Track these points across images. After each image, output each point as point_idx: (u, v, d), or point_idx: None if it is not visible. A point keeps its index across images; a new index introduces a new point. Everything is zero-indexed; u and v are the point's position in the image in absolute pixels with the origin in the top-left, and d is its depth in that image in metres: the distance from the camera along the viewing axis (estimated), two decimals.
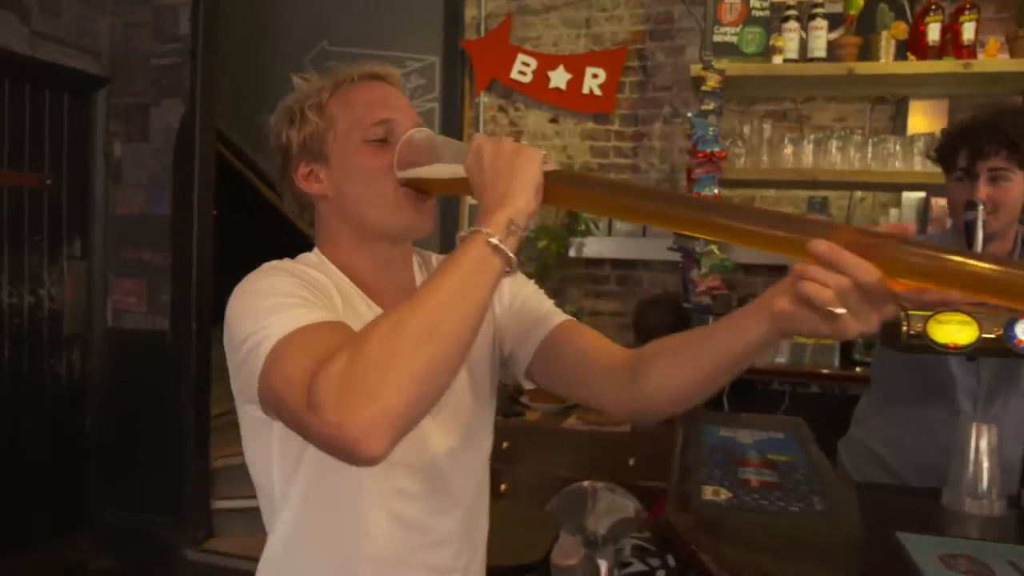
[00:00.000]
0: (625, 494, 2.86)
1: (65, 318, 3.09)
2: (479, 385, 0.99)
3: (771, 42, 2.68)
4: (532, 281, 1.06)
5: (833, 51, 2.63)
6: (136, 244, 3.11)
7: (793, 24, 2.64)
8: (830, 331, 0.65)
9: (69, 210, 3.08)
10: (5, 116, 2.83)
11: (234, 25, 3.60)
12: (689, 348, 0.84)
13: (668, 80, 3.33)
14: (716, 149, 2.55)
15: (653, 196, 0.80)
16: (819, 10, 2.62)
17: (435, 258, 1.07)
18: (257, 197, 4.31)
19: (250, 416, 0.87)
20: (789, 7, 2.66)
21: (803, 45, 2.67)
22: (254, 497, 0.94)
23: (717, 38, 2.73)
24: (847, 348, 2.78)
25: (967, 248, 1.41)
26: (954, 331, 1.23)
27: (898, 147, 2.62)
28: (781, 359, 2.82)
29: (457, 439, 0.95)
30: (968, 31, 2.49)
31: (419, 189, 0.92)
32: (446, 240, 3.10)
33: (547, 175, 0.80)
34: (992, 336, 1.23)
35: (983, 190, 1.48)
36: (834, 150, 2.65)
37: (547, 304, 1.02)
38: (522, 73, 3.43)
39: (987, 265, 0.59)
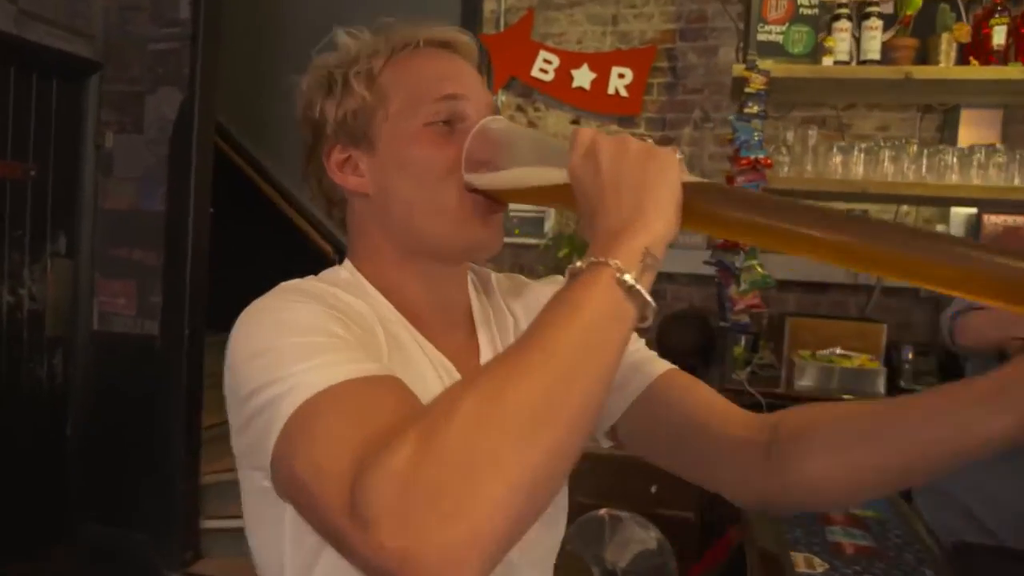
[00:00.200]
0: (647, 524, 2.66)
1: (47, 319, 2.88)
2: None
3: (820, 42, 2.48)
4: None
5: (887, 53, 2.43)
6: (126, 242, 2.90)
7: (845, 23, 2.44)
8: None
9: (54, 204, 2.86)
10: None
11: (238, 9, 3.39)
12: (872, 432, 0.62)
13: (699, 82, 3.14)
14: (761, 156, 2.34)
15: (870, 230, 0.53)
16: (873, 9, 2.42)
17: (494, 278, 0.85)
18: (258, 195, 4.09)
19: (254, 484, 0.64)
20: (840, 5, 2.46)
21: (854, 46, 2.47)
22: None
23: (761, 36, 2.52)
24: (894, 375, 2.57)
25: None
26: None
27: (955, 158, 2.42)
28: (807, 382, 2.61)
29: (534, 526, 0.73)
30: None
31: (491, 197, 0.70)
32: None
33: (687, 188, 0.59)
34: None
35: None
36: (886, 160, 2.44)
37: (641, 346, 0.80)
38: (543, 71, 3.24)
39: None
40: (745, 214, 0.57)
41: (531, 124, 3.31)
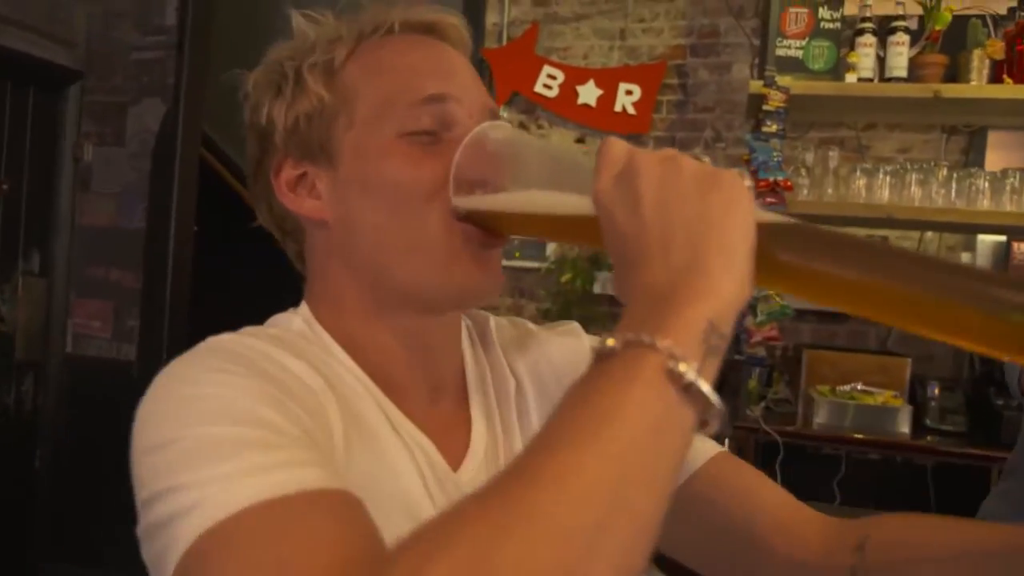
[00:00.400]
0: (656, 573, 2.48)
1: (17, 342, 2.71)
2: None
3: (842, 57, 2.34)
4: None
5: (914, 70, 2.29)
6: (103, 261, 2.74)
7: (869, 38, 2.30)
8: None
9: (28, 219, 2.71)
10: None
11: (229, 17, 3.26)
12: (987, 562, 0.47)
13: (711, 100, 2.99)
14: (780, 177, 2.19)
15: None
16: (900, 24, 2.28)
17: (493, 325, 0.67)
18: (246, 210, 3.93)
19: None
20: (864, 19, 2.32)
21: (878, 63, 2.33)
22: None
23: (780, 51, 2.39)
24: (918, 413, 2.40)
25: None
26: None
27: (986, 183, 2.27)
28: (824, 419, 2.43)
29: None
30: None
31: (487, 227, 0.54)
32: None
33: (765, 231, 0.41)
34: None
35: None
36: (913, 184, 2.29)
37: None
38: (547, 87, 3.10)
39: None
40: (868, 275, 0.39)
41: None
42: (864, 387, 2.47)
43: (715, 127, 2.99)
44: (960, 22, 2.31)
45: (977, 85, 2.24)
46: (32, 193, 2.71)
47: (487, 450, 0.59)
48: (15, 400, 2.72)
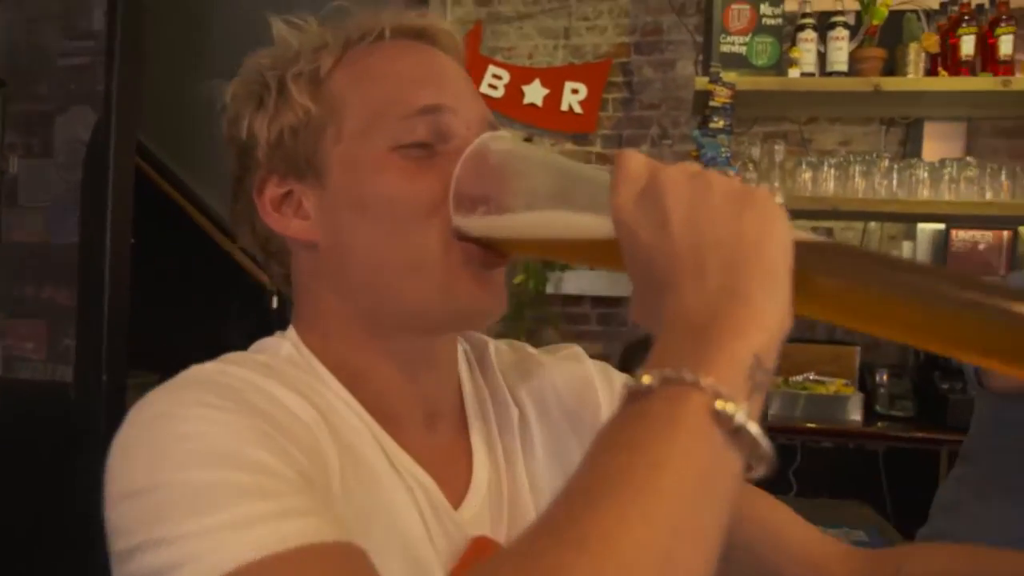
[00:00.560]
0: None
1: None
2: None
3: (784, 53, 2.37)
4: None
5: (854, 64, 2.33)
6: (35, 278, 2.62)
7: (810, 34, 2.34)
8: None
9: None
10: None
11: (160, 11, 3.14)
12: None
13: (656, 97, 3.01)
14: (731, 172, 2.20)
15: None
16: (839, 19, 2.32)
17: (492, 350, 0.63)
18: (187, 222, 3.80)
19: None
20: (805, 15, 2.35)
21: (819, 58, 2.37)
22: None
23: (724, 48, 2.40)
24: (868, 400, 2.45)
25: None
26: None
27: (926, 173, 2.33)
28: (776, 411, 2.47)
29: None
30: (1005, 45, 2.23)
31: (489, 246, 0.51)
32: None
33: (804, 250, 0.38)
34: None
35: None
36: (857, 175, 2.34)
37: None
38: (492, 87, 3.06)
39: None
40: (934, 307, 0.35)
41: None
42: (816, 376, 2.51)
43: (661, 124, 3.01)
44: (896, 17, 2.36)
45: (914, 78, 2.29)
46: None
47: (490, 484, 0.56)
48: None
